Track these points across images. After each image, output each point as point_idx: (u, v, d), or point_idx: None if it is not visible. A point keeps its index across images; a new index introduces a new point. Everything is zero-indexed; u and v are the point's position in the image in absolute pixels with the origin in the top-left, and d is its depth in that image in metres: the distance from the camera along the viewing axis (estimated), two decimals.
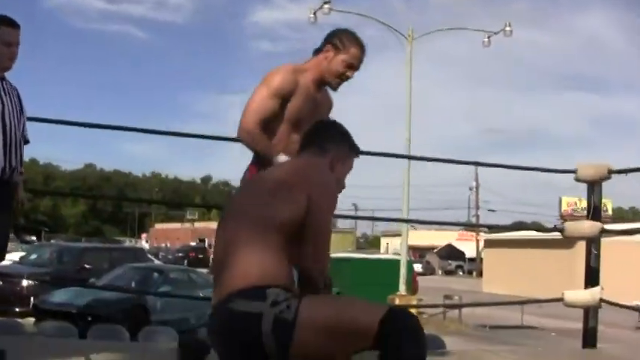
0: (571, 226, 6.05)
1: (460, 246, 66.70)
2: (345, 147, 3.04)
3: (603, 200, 6.29)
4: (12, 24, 3.95)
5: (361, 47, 3.79)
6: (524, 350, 7.02)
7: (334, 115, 3.69)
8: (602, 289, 5.87)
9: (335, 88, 3.84)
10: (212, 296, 2.66)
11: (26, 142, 4.15)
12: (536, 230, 22.26)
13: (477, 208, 65.53)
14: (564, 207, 43.13)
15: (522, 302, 7.00)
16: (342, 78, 3.79)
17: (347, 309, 2.52)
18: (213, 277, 2.73)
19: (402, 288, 19.90)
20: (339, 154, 2.99)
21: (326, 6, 21.16)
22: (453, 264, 67.44)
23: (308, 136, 3.05)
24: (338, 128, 3.08)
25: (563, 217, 44.79)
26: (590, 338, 5.92)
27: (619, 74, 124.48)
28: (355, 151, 3.10)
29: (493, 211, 70.23)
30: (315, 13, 21.77)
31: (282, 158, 3.59)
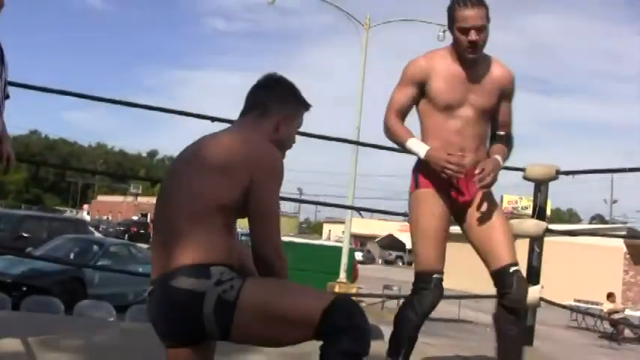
0: (516, 224, 6.07)
1: (401, 237, 67.12)
2: (292, 104, 2.85)
3: None
4: None
5: (464, 4, 3.52)
6: (464, 345, 7.04)
7: None
8: (543, 287, 5.92)
9: (471, 60, 3.59)
10: (151, 271, 2.58)
11: (6, 97, 3.89)
12: None
13: None
14: (505, 204, 43.78)
15: (461, 297, 7.00)
16: (471, 46, 3.53)
17: (290, 294, 2.46)
18: (152, 252, 2.65)
19: (343, 275, 19.98)
20: (285, 112, 2.81)
21: None
22: (394, 254, 67.99)
23: (249, 97, 2.86)
24: (282, 84, 2.87)
25: (504, 214, 45.50)
26: (526, 336, 5.96)
27: (564, 77, 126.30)
28: (304, 106, 2.90)
29: None
30: None
31: (413, 142, 3.64)
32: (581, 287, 26.24)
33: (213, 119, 5.53)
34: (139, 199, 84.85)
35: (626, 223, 56.08)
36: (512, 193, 44.95)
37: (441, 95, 3.62)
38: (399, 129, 3.71)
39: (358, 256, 38.02)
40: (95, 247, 15.97)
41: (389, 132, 3.74)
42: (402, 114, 3.73)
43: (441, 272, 3.70)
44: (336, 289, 17.57)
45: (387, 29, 22.32)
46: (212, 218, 2.51)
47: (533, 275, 5.99)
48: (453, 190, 3.71)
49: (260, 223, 2.57)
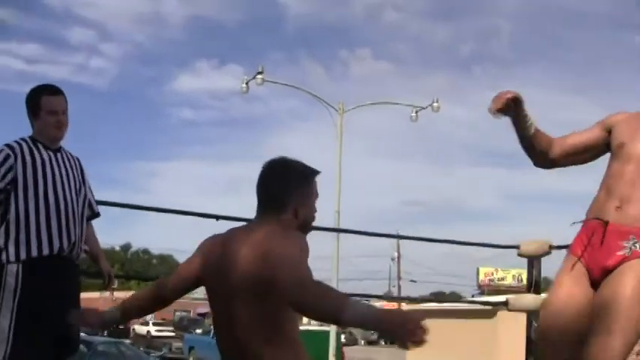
0: (514, 300, 6.23)
1: None
2: (303, 184, 2.85)
3: (519, 271, 6.51)
4: (54, 91, 3.83)
5: None
6: None
7: None
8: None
9: None
10: None
11: (94, 214, 4.04)
12: (481, 303, 22.16)
13: (399, 278, 65.86)
14: (481, 277, 43.92)
15: None
16: None
17: None
18: None
19: None
20: (300, 197, 2.81)
21: (259, 76, 21.44)
22: (376, 334, 67.37)
23: (261, 190, 2.85)
24: (290, 169, 2.86)
25: (481, 287, 45.53)
26: None
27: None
28: (314, 174, 2.89)
29: (414, 281, 70.71)
30: (247, 83, 21.97)
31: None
32: None
33: (217, 217, 5.43)
34: (116, 293, 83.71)
35: None
36: (486, 265, 45.16)
37: (617, 142, 3.34)
38: None
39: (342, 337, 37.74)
40: (83, 348, 15.77)
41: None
42: (570, 154, 3.50)
43: None
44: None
45: (359, 112, 22.62)
46: (280, 331, 2.64)
47: (534, 349, 6.14)
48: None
49: (312, 307, 2.49)
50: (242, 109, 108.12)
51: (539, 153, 3.49)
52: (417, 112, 23.12)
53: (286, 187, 2.80)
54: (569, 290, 3.17)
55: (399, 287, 64.54)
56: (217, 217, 5.50)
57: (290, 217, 2.79)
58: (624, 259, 3.01)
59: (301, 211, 2.81)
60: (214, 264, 2.74)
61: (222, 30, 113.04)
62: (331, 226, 14.67)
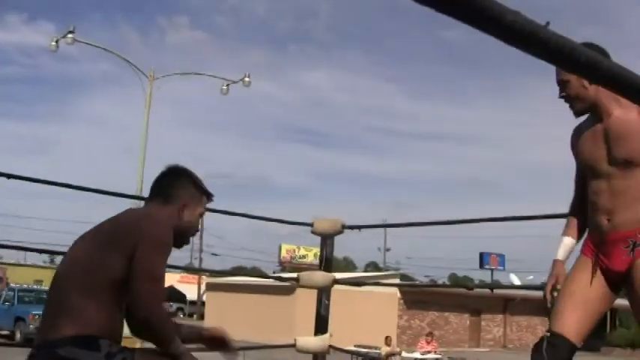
0: (305, 276, 6.35)
1: (182, 288, 66.43)
2: (194, 193, 3.02)
3: (318, 250, 6.64)
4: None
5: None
6: None
7: None
8: (331, 335, 6.21)
9: (575, 113, 3.42)
10: (37, 335, 2.62)
11: None
12: (274, 278, 22.54)
13: (201, 251, 65.68)
14: (283, 254, 44.62)
15: (256, 347, 7.19)
16: (565, 99, 3.39)
17: None
18: (42, 318, 2.70)
19: (127, 330, 19.55)
20: (188, 200, 2.98)
21: (70, 35, 20.66)
22: (174, 306, 66.98)
23: (155, 184, 3.04)
24: (187, 175, 3.07)
25: (283, 264, 46.35)
26: None
27: (340, 131, 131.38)
28: (207, 196, 3.10)
29: (216, 255, 70.83)
30: (57, 42, 21.21)
31: (567, 240, 3.51)
32: (359, 332, 27.19)
33: (8, 176, 5.01)
34: None
35: (399, 269, 58.84)
36: (289, 242, 45.88)
37: (580, 160, 3.54)
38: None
39: None
40: None
41: None
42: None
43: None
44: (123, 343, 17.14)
45: (171, 81, 22.29)
46: (103, 294, 2.60)
47: (322, 324, 6.26)
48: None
49: (135, 287, 2.61)
50: (52, 69, 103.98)
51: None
52: (227, 85, 23.07)
53: (179, 186, 3.00)
54: (588, 276, 3.37)
55: (201, 260, 64.41)
56: (8, 176, 5.26)
57: (174, 213, 2.90)
58: (631, 261, 3.24)
59: (186, 212, 2.95)
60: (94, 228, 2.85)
61: None
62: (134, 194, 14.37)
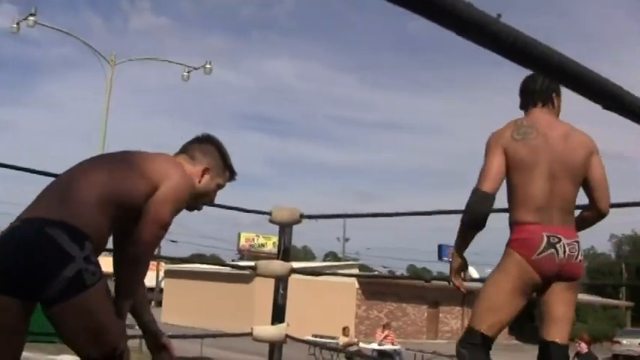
0: (263, 265, 6.34)
1: None
2: (221, 164, 3.08)
3: (277, 239, 6.64)
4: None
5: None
6: None
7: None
8: (288, 325, 6.21)
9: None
10: (26, 211, 2.62)
11: None
12: (231, 266, 22.55)
13: None
14: (242, 242, 44.51)
15: (212, 335, 7.17)
16: None
17: (109, 319, 2.64)
18: (39, 199, 2.69)
19: None
20: (213, 167, 3.04)
21: (31, 18, 20.42)
22: None
23: (186, 144, 3.10)
24: (217, 145, 3.11)
25: (242, 252, 46.22)
26: None
27: (301, 119, 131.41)
28: (230, 172, 3.15)
29: (175, 241, 70.41)
30: (18, 24, 20.99)
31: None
32: (317, 322, 27.27)
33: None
34: None
35: (357, 260, 58.98)
36: (248, 230, 45.81)
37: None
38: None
39: None
40: None
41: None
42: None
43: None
44: None
45: (132, 67, 22.10)
46: (112, 208, 2.64)
47: (279, 314, 6.26)
48: None
49: (145, 216, 2.68)
50: (13, 51, 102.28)
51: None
52: (188, 72, 22.95)
53: (206, 151, 3.06)
54: None
55: (160, 247, 64.00)
56: None
57: (196, 172, 2.98)
58: None
59: (206, 177, 3.01)
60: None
61: None
62: None
